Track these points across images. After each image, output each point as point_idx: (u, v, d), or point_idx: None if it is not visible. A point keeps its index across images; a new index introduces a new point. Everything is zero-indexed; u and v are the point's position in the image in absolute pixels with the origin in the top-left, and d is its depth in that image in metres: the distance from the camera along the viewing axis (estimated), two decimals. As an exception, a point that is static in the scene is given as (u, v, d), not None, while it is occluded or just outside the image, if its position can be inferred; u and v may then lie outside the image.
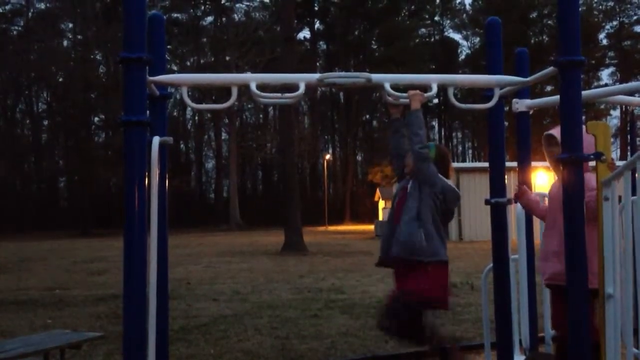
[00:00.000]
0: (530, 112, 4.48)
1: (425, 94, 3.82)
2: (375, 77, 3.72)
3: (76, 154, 52.84)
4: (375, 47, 68.87)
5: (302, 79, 3.64)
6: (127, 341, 3.02)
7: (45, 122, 63.54)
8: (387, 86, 3.64)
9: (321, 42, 71.95)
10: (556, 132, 3.85)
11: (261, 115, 69.47)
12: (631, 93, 4.52)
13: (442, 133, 76.75)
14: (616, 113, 63.33)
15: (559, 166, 3.86)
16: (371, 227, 38.72)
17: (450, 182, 4.18)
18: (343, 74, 3.74)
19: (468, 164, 48.27)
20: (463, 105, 3.90)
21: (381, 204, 53.52)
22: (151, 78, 3.44)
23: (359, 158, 74.14)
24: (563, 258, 3.62)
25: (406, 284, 4.13)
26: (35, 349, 4.70)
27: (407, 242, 4.02)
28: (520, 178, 4.53)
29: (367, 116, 72.90)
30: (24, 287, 13.18)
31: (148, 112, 3.31)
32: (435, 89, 3.65)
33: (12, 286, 13.30)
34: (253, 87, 3.55)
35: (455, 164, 44.93)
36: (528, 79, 3.88)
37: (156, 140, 3.36)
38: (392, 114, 4.24)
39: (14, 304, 10.53)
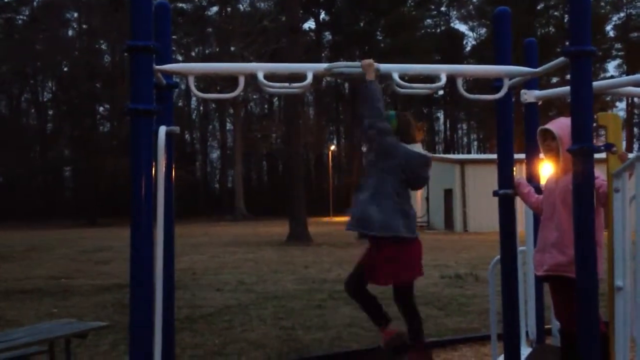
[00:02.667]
0: (540, 103, 4.44)
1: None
2: (383, 67, 3.69)
3: (82, 143, 52.91)
4: (380, 38, 68.62)
5: (310, 69, 3.61)
6: (134, 330, 3.01)
7: (51, 112, 63.60)
8: (396, 76, 3.61)
9: (326, 33, 71.71)
10: (551, 126, 3.83)
11: (266, 106, 69.44)
12: (639, 85, 4.48)
13: (447, 124, 76.60)
14: (622, 105, 63.09)
15: (555, 159, 3.84)
16: (376, 218, 38.65)
17: (417, 148, 4.15)
18: (351, 63, 3.71)
19: (473, 156, 48.17)
20: (471, 96, 3.85)
21: (386, 195, 53.33)
22: (158, 67, 3.42)
23: (363, 149, 73.88)
24: (565, 249, 3.61)
25: (368, 257, 4.21)
26: (40, 338, 4.70)
27: (361, 217, 4.05)
28: (529, 169, 4.50)
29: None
30: (30, 276, 13.23)
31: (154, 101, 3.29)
32: (444, 79, 3.61)
33: (18, 275, 13.36)
34: (260, 76, 3.52)
35: (460, 156, 44.90)
36: (538, 69, 3.84)
37: (163, 129, 3.34)
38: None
39: (20, 293, 10.57)
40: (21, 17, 61.21)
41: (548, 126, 3.86)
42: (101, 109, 59.89)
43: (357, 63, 3.73)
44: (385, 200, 4.00)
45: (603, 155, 3.33)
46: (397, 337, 4.20)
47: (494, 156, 4.28)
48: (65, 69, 57.92)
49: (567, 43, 3.22)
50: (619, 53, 65.09)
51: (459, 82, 3.68)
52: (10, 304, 9.46)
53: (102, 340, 6.62)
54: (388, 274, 4.13)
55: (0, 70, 57.57)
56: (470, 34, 72.87)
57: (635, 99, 56.71)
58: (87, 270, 14.22)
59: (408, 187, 4.15)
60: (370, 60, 3.78)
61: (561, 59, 3.28)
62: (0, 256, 18.26)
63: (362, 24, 67.66)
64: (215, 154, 70.70)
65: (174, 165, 3.79)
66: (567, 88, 3.34)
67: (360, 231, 4.12)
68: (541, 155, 4.17)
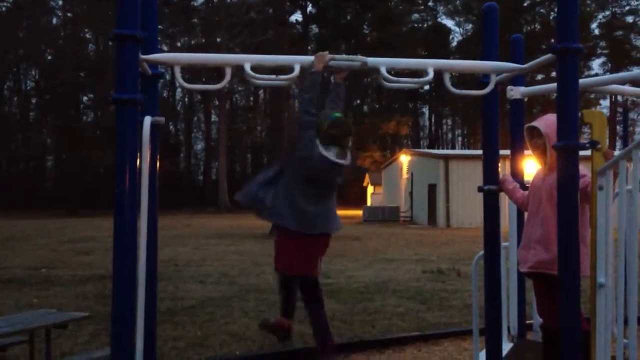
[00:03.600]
0: (526, 99, 4.46)
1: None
2: (371, 60, 3.67)
3: (64, 133, 52.43)
4: (367, 32, 68.62)
5: (297, 61, 3.59)
6: (115, 321, 2.99)
7: (34, 101, 62.95)
8: (383, 70, 3.60)
9: (313, 26, 71.57)
10: (538, 123, 3.84)
11: (252, 98, 69.22)
12: (623, 83, 4.52)
13: (432, 119, 76.84)
14: (605, 103, 63.65)
15: (542, 156, 3.86)
16: (359, 212, 38.76)
17: (332, 152, 4.19)
18: (339, 56, 3.69)
19: (457, 151, 48.40)
20: (458, 91, 3.85)
21: (370, 189, 53.60)
22: (144, 57, 3.38)
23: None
24: (549, 246, 3.63)
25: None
26: (20, 328, 4.65)
27: (252, 199, 4.25)
28: (513, 165, 4.52)
29: (358, 101, 72.80)
30: (10, 265, 13.10)
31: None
32: (431, 73, 3.61)
33: (-2, 264, 13.22)
34: (247, 68, 3.49)
35: (444, 151, 45.06)
36: (525, 65, 3.85)
37: (148, 119, 3.31)
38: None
39: None
40: (4, 4, 60.45)
41: (535, 123, 3.88)
42: (85, 98, 59.38)
43: (345, 56, 3.72)
44: (281, 187, 4.13)
45: (588, 152, 3.35)
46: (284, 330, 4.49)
47: (479, 152, 4.30)
48: (49, 58, 57.30)
49: (553, 40, 3.23)
50: (604, 51, 65.66)
51: (446, 77, 3.68)
52: (-10, 294, 9.37)
53: (82, 331, 6.57)
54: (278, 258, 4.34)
55: (-19, 58, 56.92)
56: (457, 29, 73.16)
57: (619, 97, 57.20)
58: (68, 261, 14.10)
59: (311, 186, 4.19)
60: (325, 53, 3.79)
61: (548, 55, 3.29)
62: (-20, 245, 18.07)
63: (348, 18, 67.64)
64: (199, 146, 70.48)
65: (158, 156, 3.76)
66: (554, 85, 3.35)
67: (246, 207, 4.46)
68: (527, 152, 4.18)
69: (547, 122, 3.78)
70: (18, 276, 11.36)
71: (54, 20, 61.29)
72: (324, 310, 4.53)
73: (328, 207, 4.35)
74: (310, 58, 3.65)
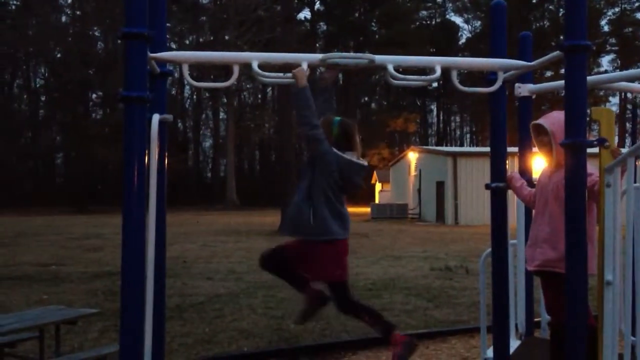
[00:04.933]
0: (533, 97, 4.45)
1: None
2: (379, 58, 3.67)
3: (73, 130, 52.61)
4: (375, 29, 68.48)
5: (305, 59, 3.59)
6: (124, 318, 3.01)
7: (43, 98, 63.19)
8: (391, 67, 3.59)
9: (321, 23, 71.49)
10: (543, 120, 3.83)
11: (260, 96, 69.21)
12: (632, 80, 4.50)
13: (441, 117, 76.64)
14: (615, 100, 63.24)
15: (548, 154, 3.85)
16: (367, 209, 38.74)
17: (351, 155, 4.16)
18: (346, 54, 3.68)
19: (465, 149, 48.23)
20: (466, 89, 3.85)
21: (378, 186, 53.54)
22: (152, 55, 3.39)
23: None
24: (556, 244, 3.62)
25: (304, 260, 4.20)
26: (30, 325, 4.69)
27: (295, 223, 4.08)
28: (521, 163, 4.51)
29: (366, 98, 72.72)
30: (19, 262, 13.18)
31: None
32: (439, 71, 3.60)
33: (8, 261, 13.31)
34: (255, 66, 3.50)
35: (452, 148, 44.95)
36: (533, 63, 3.84)
37: (156, 117, 3.32)
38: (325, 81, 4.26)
39: (9, 279, 10.54)
40: (14, 2, 60.69)
41: (540, 121, 3.86)
42: (94, 96, 59.56)
43: (352, 54, 3.71)
44: (318, 205, 4.03)
45: (595, 150, 3.34)
46: (318, 294, 4.24)
47: (487, 149, 4.28)
48: (58, 55, 57.48)
49: (561, 37, 3.22)
50: (613, 48, 65.27)
51: (454, 75, 3.67)
52: (0, 290, 9.43)
53: (91, 327, 6.62)
54: (326, 272, 4.15)
55: (-9, 56, 57.19)
56: (465, 26, 72.90)
57: (629, 95, 56.89)
58: (77, 257, 14.18)
59: (341, 191, 4.18)
60: (302, 68, 3.74)
61: (556, 52, 3.28)
62: (-11, 242, 18.19)
63: (356, 15, 67.52)
64: (207, 143, 70.57)
65: (166, 154, 3.78)
66: (562, 82, 3.34)
67: (296, 236, 4.17)
68: (534, 149, 4.18)
69: (552, 120, 3.77)
70: (28, 272, 11.43)
71: (63, 18, 61.52)
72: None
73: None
74: (318, 56, 3.65)
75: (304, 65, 3.56)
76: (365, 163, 4.24)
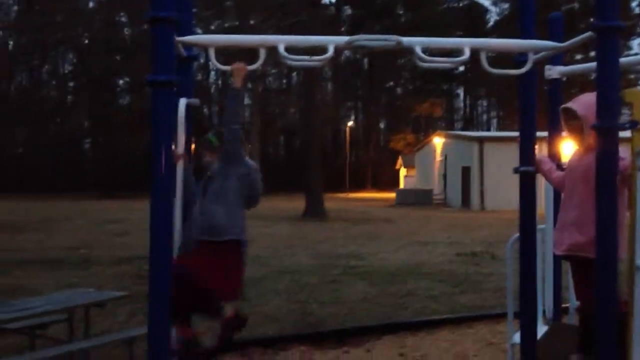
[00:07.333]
0: (564, 79, 4.37)
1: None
2: (406, 40, 3.62)
3: (101, 116, 53.12)
4: (401, 12, 67.84)
5: (332, 42, 3.55)
6: (152, 301, 3.03)
7: (71, 84, 63.83)
8: (418, 50, 3.54)
9: (346, 7, 70.98)
10: (573, 104, 3.75)
11: (284, 81, 69.14)
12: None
13: (467, 101, 75.93)
14: (645, 84, 61.98)
15: (578, 137, 3.77)
16: (392, 194, 38.65)
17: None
18: (373, 36, 3.63)
19: (492, 133, 47.80)
20: (495, 71, 3.78)
21: (402, 171, 53.38)
22: (179, 38, 3.39)
23: (381, 125, 73.75)
24: (583, 229, 3.56)
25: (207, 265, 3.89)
26: (60, 307, 4.75)
27: (209, 224, 3.86)
28: (550, 147, 4.44)
29: (391, 83, 72.26)
30: (50, 246, 13.39)
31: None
32: (467, 53, 3.54)
33: (38, 245, 13.53)
34: (281, 49, 3.48)
35: (479, 133, 44.56)
36: (563, 44, 3.76)
37: (183, 101, 3.33)
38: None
39: (40, 263, 10.71)
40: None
41: (570, 104, 3.79)
42: (121, 81, 60.01)
43: (379, 36, 3.65)
44: (232, 206, 3.95)
45: (627, 133, 3.27)
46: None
47: (514, 134, 4.22)
48: (86, 42, 57.96)
49: (592, 19, 3.15)
50: (644, 30, 63.90)
51: (483, 57, 3.60)
52: (31, 273, 9.60)
53: (120, 310, 6.70)
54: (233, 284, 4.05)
55: (20, 42, 57.79)
56: (493, 8, 71.83)
57: (659, 78, 55.79)
58: (106, 242, 14.36)
59: (246, 198, 4.11)
60: (241, 65, 3.69)
61: (588, 33, 3.21)
62: (18, 226, 18.50)
63: (382, -2, 66.88)
64: (232, 128, 70.69)
65: (193, 139, 3.79)
66: (593, 64, 3.28)
67: (209, 239, 3.87)
68: (564, 133, 4.10)
69: (582, 103, 3.69)
70: (59, 256, 11.61)
71: (90, 4, 61.92)
72: None
73: None
74: (345, 38, 3.61)
75: (330, 48, 3.52)
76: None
